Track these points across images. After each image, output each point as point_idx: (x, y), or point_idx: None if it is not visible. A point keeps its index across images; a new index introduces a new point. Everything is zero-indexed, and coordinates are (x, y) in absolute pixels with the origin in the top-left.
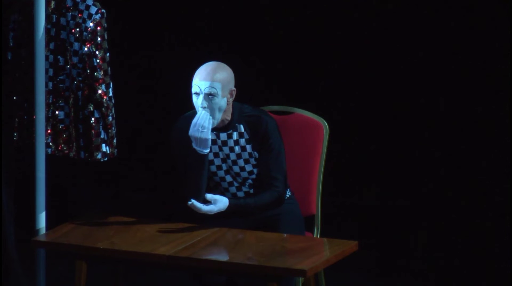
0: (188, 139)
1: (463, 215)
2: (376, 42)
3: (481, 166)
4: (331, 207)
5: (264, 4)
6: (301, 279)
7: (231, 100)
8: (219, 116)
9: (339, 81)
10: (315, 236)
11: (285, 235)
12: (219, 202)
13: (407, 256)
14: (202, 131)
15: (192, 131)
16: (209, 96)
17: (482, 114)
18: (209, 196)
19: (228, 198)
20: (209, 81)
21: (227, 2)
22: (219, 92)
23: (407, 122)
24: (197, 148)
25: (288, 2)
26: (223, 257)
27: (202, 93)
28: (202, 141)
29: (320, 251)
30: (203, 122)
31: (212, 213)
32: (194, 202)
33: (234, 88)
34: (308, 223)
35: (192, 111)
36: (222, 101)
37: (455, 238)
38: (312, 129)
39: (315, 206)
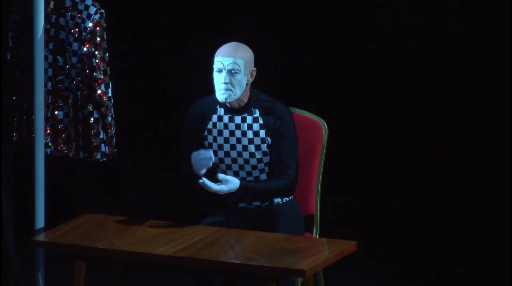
0: (195, 125)
1: (464, 215)
2: (376, 42)
3: (481, 166)
4: (331, 207)
5: (263, 3)
6: (300, 279)
7: (251, 80)
8: (239, 93)
9: (338, 81)
10: (314, 236)
11: (284, 235)
12: (230, 183)
13: (407, 256)
14: (200, 166)
15: (193, 160)
16: (232, 72)
17: (483, 114)
18: (221, 176)
19: (240, 179)
20: (232, 58)
21: (227, 2)
22: (242, 69)
23: (407, 122)
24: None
25: (288, 2)
26: (222, 257)
27: (225, 69)
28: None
29: (319, 251)
30: (205, 162)
31: (222, 193)
32: (205, 180)
33: (255, 69)
34: (307, 223)
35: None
36: (243, 79)
37: (456, 238)
38: (312, 129)
39: (314, 206)
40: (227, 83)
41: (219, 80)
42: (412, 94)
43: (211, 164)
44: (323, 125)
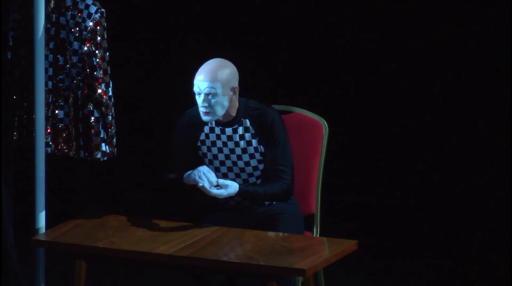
0: (185, 136)
1: (464, 214)
2: (376, 42)
3: (482, 166)
4: (331, 206)
5: (264, 3)
6: (300, 279)
7: (234, 97)
8: (221, 112)
9: (339, 80)
10: (314, 235)
11: (284, 234)
12: (230, 188)
13: (407, 256)
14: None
15: (193, 176)
16: (209, 96)
17: (483, 114)
18: (220, 181)
19: (239, 183)
20: (207, 82)
21: (229, 1)
22: (219, 91)
23: (407, 121)
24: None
25: (288, 1)
26: (222, 256)
27: (202, 93)
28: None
29: (319, 251)
30: (203, 181)
31: (221, 197)
32: (205, 184)
33: (237, 86)
34: (308, 223)
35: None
36: (224, 100)
37: (456, 238)
38: (312, 128)
39: (315, 205)
40: (206, 106)
41: (199, 103)
42: (412, 93)
43: (213, 182)
44: (324, 124)
